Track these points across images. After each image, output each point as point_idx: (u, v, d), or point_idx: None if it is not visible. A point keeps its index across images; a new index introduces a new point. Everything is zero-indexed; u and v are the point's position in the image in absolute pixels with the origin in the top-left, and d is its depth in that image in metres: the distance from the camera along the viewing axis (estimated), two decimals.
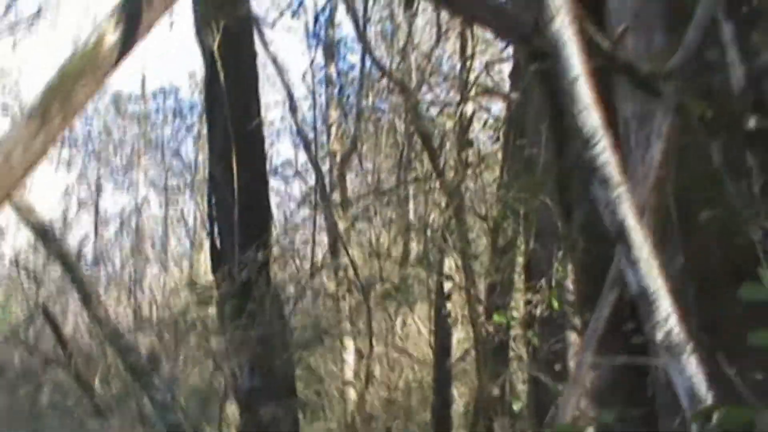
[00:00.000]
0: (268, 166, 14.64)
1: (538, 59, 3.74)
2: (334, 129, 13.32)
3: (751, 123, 2.65)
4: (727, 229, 3.06)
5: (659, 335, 1.51)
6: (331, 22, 13.21)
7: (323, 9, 12.93)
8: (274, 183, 14.03)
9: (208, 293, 10.07)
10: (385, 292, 10.43)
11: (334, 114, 13.09)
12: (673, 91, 2.22)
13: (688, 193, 3.13)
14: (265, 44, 12.99)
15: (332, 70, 13.31)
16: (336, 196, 12.58)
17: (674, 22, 3.00)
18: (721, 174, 3.01)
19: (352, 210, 12.43)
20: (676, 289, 3.17)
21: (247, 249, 9.83)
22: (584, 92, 1.68)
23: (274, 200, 13.95)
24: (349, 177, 13.61)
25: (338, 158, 12.85)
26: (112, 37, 2.70)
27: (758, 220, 2.81)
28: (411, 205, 13.26)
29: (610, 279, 2.37)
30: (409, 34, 12.59)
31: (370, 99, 14.00)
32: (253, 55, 10.58)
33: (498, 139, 9.33)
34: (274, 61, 13.34)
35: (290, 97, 13.23)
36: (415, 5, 6.88)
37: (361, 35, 10.98)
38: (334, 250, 12.03)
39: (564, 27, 1.75)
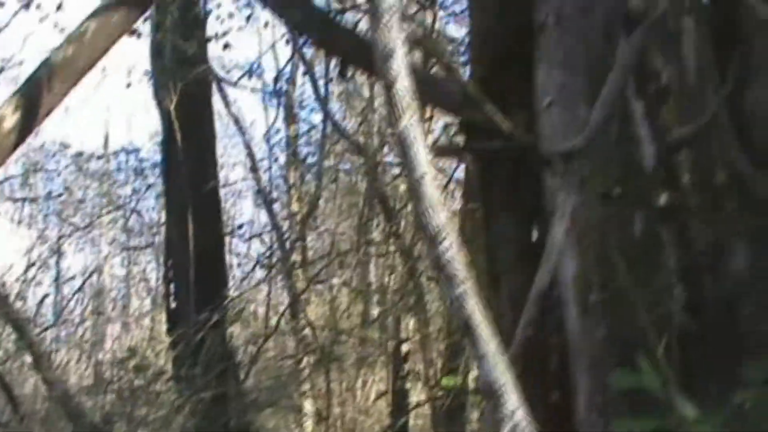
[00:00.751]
0: (231, 225, 14.63)
1: (465, 130, 3.77)
2: (294, 189, 13.33)
3: (663, 199, 2.68)
4: (648, 301, 3.08)
5: (505, 430, 1.51)
6: (292, 81, 13.29)
7: (283, 68, 13.01)
8: (235, 242, 13.97)
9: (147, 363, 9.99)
10: (325, 356, 10.35)
11: (294, 174, 13.11)
12: (576, 169, 2.24)
13: (610, 264, 3.15)
14: (226, 103, 13.06)
15: (293, 129, 13.35)
16: (296, 257, 12.56)
17: (598, 96, 3.03)
18: (642, 246, 3.03)
19: (312, 270, 12.39)
20: (595, 361, 3.19)
21: (202, 310, 9.79)
22: (430, 191, 1.70)
23: (234, 260, 13.92)
24: (310, 237, 13.60)
25: (298, 218, 12.84)
26: (10, 122, 2.71)
27: (671, 295, 2.84)
28: (372, 266, 13.26)
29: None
30: (371, 94, 12.68)
31: (332, 159, 14.06)
32: (211, 116, 10.64)
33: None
34: (236, 120, 13.42)
35: (251, 156, 13.27)
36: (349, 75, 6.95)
37: (320, 97, 11.05)
38: (293, 310, 11.99)
39: (411, 125, 1.76)
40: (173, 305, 10.64)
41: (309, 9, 3.95)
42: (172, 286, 10.72)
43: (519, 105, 3.65)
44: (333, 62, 12.78)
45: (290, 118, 13.32)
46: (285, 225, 13.03)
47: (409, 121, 1.75)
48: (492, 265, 3.77)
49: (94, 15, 3.29)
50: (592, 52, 3.23)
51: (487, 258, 3.80)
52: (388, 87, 1.84)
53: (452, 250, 1.63)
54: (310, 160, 13.72)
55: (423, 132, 1.80)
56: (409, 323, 10.92)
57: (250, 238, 13.47)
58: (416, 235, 9.60)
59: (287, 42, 10.86)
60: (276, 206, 13.49)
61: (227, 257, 12.50)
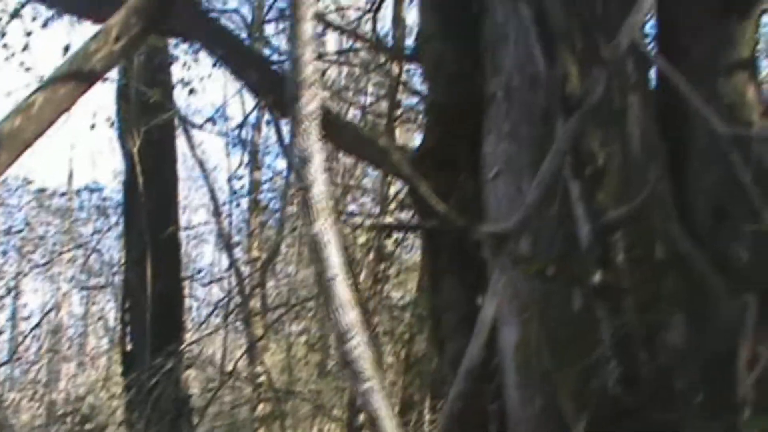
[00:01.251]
0: (191, 269, 14.58)
1: (416, 199, 3.84)
2: (255, 235, 13.34)
3: (597, 277, 2.75)
4: (585, 374, 3.14)
5: None
6: (257, 128, 13.34)
7: (249, 115, 13.05)
8: (195, 286, 13.91)
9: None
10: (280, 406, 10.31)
11: (256, 220, 13.11)
12: (510, 250, 2.31)
13: (553, 336, 3.22)
14: (191, 147, 13.08)
15: (257, 175, 13.38)
16: (255, 303, 12.52)
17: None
18: (580, 320, 3.10)
19: (271, 317, 12.37)
20: (534, 430, 3.25)
21: (158, 354, 9.74)
22: (341, 291, 1.76)
23: (194, 304, 13.86)
24: (270, 283, 13.57)
25: (259, 264, 12.82)
26: None
27: (609, 369, 2.89)
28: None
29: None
30: None
31: (295, 206, 14.08)
32: (174, 160, 10.66)
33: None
34: (200, 164, 13.42)
35: (214, 200, 13.26)
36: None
37: (284, 144, 11.07)
38: (250, 357, 11.93)
39: (325, 229, 1.83)
40: (129, 348, 10.57)
41: (265, 70, 4.02)
42: (128, 328, 10.66)
43: (467, 174, 3.74)
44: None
45: (254, 163, 13.36)
46: (245, 270, 13.00)
47: (323, 225, 1.82)
48: (437, 329, 3.83)
49: (41, 88, 3.35)
50: (539, 126, 3.32)
51: (433, 322, 3.86)
52: (305, 191, 1.91)
53: (360, 348, 1.68)
54: (273, 206, 13.74)
55: (337, 234, 1.87)
56: None
57: (210, 283, 13.42)
58: (372, 288, 9.64)
59: None
60: (237, 251, 13.48)
61: (186, 301, 12.46)
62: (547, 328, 3.22)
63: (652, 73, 3.91)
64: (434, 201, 2.49)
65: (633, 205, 2.71)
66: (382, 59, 9.73)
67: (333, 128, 4.03)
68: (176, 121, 11.20)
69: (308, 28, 1.95)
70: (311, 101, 1.97)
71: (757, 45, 3.89)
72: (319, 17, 5.94)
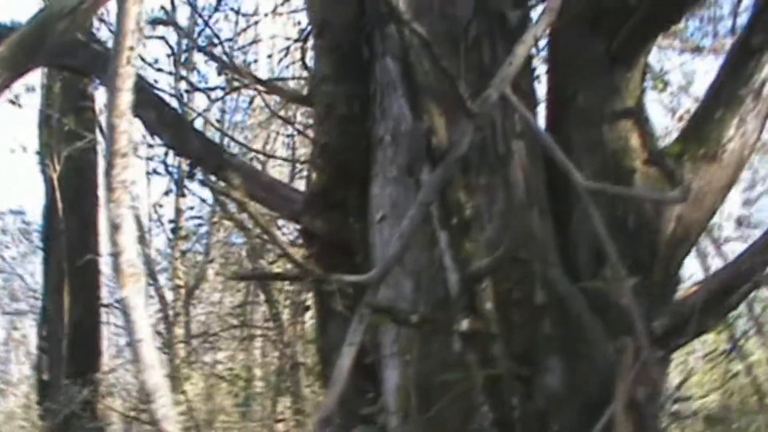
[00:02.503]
0: (114, 296, 14.41)
1: (307, 240, 3.87)
2: (181, 262, 13.23)
3: (464, 325, 2.80)
4: (462, 417, 3.19)
5: None
6: None
7: None
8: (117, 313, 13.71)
9: None
10: None
11: (181, 246, 13.01)
12: (369, 300, 2.35)
13: (431, 380, 3.26)
14: None
15: (182, 202, 13.29)
16: (177, 330, 12.43)
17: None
18: (459, 363, 3.15)
19: (194, 345, 12.28)
20: None
21: (74, 383, 9.64)
22: (148, 354, 1.80)
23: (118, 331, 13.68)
24: (195, 311, 13.48)
25: (183, 291, 12.74)
26: None
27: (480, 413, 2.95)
28: (256, 343, 13.18)
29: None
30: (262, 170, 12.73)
31: (221, 233, 14.03)
32: (95, 187, 10.58)
33: None
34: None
35: (139, 227, 13.17)
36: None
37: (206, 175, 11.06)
38: (171, 385, 11.83)
39: (133, 294, 1.87)
40: (45, 376, 10.44)
41: (161, 110, 4.04)
42: (45, 356, 10.53)
43: (356, 216, 3.79)
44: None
45: (180, 190, 13.28)
46: (169, 297, 12.90)
47: (132, 290, 1.86)
48: (326, 369, 3.86)
49: None
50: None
51: (322, 362, 3.89)
52: (116, 256, 1.95)
53: (166, 407, 1.72)
54: (200, 232, 13.65)
55: (144, 299, 1.91)
56: (286, 404, 10.87)
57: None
58: (293, 318, 9.65)
59: None
60: (162, 278, 13.36)
61: (107, 329, 12.34)
62: (426, 372, 3.27)
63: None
64: (290, 250, 2.50)
65: (497, 256, 2.77)
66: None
67: (226, 168, 4.07)
68: (102, 146, 11.13)
69: (126, 98, 1.98)
70: (124, 170, 2.00)
71: (644, 93, 3.99)
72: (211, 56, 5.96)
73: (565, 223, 3.74)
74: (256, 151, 9.43)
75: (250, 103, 12.18)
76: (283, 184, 4.23)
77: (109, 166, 1.95)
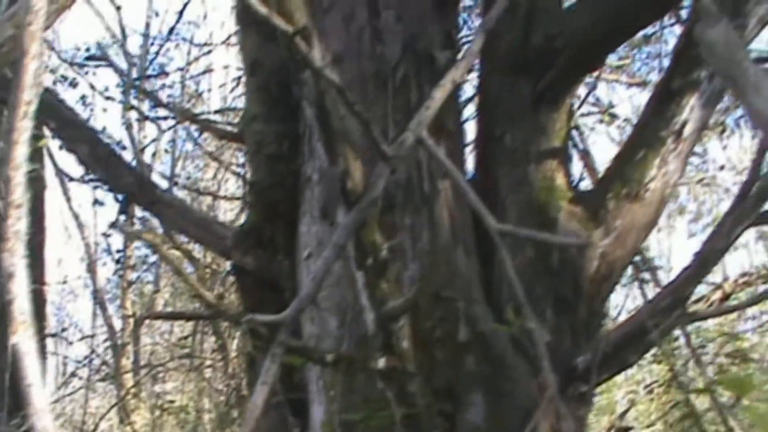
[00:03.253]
0: (66, 323, 14.30)
1: (238, 276, 3.91)
2: (130, 290, 13.18)
3: (381, 363, 2.85)
4: None
5: None
6: None
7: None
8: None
9: None
10: None
11: (131, 275, 12.96)
12: (281, 340, 2.39)
13: (352, 416, 3.30)
14: (67, 200, 12.94)
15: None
16: (126, 360, 12.35)
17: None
18: (380, 400, 3.19)
19: (141, 375, 12.21)
20: None
21: (15, 415, 9.50)
22: (37, 399, 1.86)
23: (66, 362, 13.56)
24: (144, 341, 13.41)
25: (132, 321, 12.67)
26: None
27: None
28: (206, 373, 13.12)
29: None
30: (212, 204, 12.76)
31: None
32: (42, 216, 10.48)
33: None
34: (75, 217, 13.26)
35: (88, 254, 13.09)
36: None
37: None
38: (120, 417, 11.75)
39: (23, 341, 1.91)
40: None
41: (95, 145, 4.07)
42: None
43: (284, 253, 3.84)
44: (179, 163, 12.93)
45: (130, 217, 13.23)
46: (118, 327, 12.82)
47: (22, 336, 1.90)
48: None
49: None
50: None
51: (251, 396, 3.90)
52: (9, 303, 1.99)
53: None
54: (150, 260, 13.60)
55: (36, 348, 1.96)
56: None
57: (81, 339, 13.15)
58: (240, 349, 9.61)
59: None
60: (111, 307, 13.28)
61: (55, 359, 12.24)
62: (349, 408, 3.31)
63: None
64: (203, 289, 2.53)
65: (409, 297, 2.83)
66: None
67: (159, 204, 4.10)
68: (55, 173, 11.11)
69: (22, 150, 2.03)
70: (18, 221, 2.05)
71: (569, 133, 4.08)
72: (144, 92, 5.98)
73: (490, 261, 3.80)
74: (191, 189, 9.45)
75: (201, 132, 12.19)
76: (215, 220, 4.26)
77: (4, 217, 1.99)
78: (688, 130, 3.92)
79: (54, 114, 4.15)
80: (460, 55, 3.75)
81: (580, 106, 10.05)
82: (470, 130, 4.26)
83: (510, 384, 3.52)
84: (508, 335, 3.61)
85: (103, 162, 4.11)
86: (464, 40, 4.73)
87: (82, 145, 4.11)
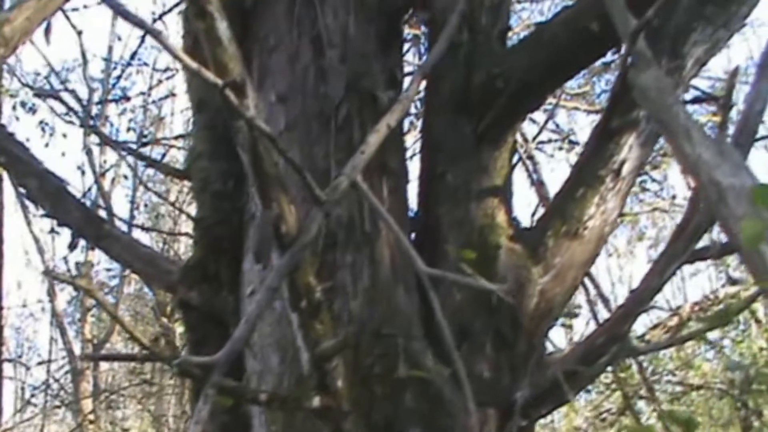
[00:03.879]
0: (26, 347, 14.22)
1: (184, 311, 3.95)
2: (91, 315, 13.15)
3: (316, 402, 2.91)
4: None
5: None
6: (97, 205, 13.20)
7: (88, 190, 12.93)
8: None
9: None
10: None
11: (90, 301, 12.91)
12: (213, 383, 2.44)
13: None
14: (28, 223, 12.90)
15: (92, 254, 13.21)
16: (85, 384, 12.31)
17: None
18: None
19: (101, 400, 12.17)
20: None
21: None
22: None
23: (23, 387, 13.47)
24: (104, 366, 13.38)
25: (91, 346, 12.65)
26: None
27: None
28: (168, 398, 13.10)
29: None
30: (174, 226, 12.77)
31: (132, 286, 13.97)
32: (0, 240, 10.44)
33: None
34: (36, 241, 13.21)
35: (48, 279, 13.04)
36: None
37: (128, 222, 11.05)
38: None
39: None
40: None
41: (43, 179, 4.10)
42: None
43: (229, 290, 3.89)
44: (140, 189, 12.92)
45: (90, 243, 13.20)
46: (78, 351, 12.78)
47: None
48: None
49: None
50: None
51: None
52: None
53: None
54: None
55: None
56: None
57: (39, 364, 13.08)
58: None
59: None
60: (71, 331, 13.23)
61: (14, 384, 12.16)
62: None
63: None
64: (138, 334, 2.58)
65: (341, 339, 2.88)
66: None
67: (106, 239, 4.13)
68: (15, 196, 11.08)
69: None
70: None
71: (512, 171, 4.16)
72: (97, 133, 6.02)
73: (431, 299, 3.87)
74: (134, 225, 9.50)
75: (163, 156, 12.22)
76: (162, 255, 4.30)
77: None
78: (626, 169, 4.01)
79: (3, 149, 4.19)
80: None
81: (538, 134, 10.20)
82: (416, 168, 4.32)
83: (449, 420, 3.57)
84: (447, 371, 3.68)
85: (51, 196, 4.13)
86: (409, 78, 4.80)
87: (30, 179, 4.14)
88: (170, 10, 9.68)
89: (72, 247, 4.06)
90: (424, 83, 4.19)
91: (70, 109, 6.95)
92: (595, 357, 3.82)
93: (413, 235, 4.07)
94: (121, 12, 2.30)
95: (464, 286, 3.82)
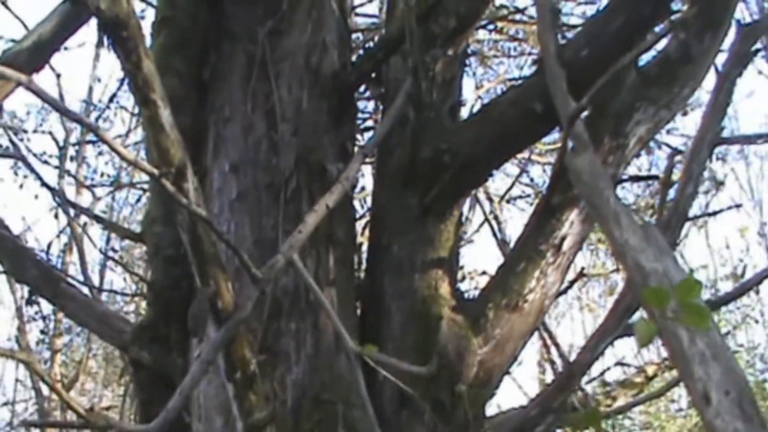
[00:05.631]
0: None
1: (135, 370, 4.06)
2: (61, 353, 13.16)
3: None
4: None
5: None
6: (68, 248, 13.27)
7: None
8: None
9: None
10: None
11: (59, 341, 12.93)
12: None
13: None
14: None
15: None
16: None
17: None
18: None
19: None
20: None
21: None
22: None
23: None
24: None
25: (62, 384, 12.63)
26: None
27: None
28: None
29: None
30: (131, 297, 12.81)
31: None
32: None
33: None
34: (9, 280, 13.26)
35: (20, 317, 13.06)
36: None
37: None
38: None
39: None
40: None
41: (0, 235, 4.22)
42: None
43: (179, 350, 4.01)
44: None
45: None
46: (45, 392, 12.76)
47: None
48: None
49: None
50: None
51: None
52: None
53: None
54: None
55: None
56: None
57: (5, 404, 13.08)
58: None
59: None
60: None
61: None
62: None
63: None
64: (72, 402, 2.71)
65: (271, 410, 3.02)
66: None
67: (61, 297, 4.26)
68: None
69: None
70: None
71: (458, 243, 4.30)
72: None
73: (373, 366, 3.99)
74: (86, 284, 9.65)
75: (138, 200, 12.33)
76: (116, 315, 4.42)
77: None
78: (567, 244, 4.15)
79: None
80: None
81: (510, 188, 10.35)
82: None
83: None
84: None
85: (9, 254, 4.26)
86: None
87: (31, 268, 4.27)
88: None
89: (29, 302, 4.18)
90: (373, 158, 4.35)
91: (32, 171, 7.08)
92: (530, 427, 3.95)
93: (359, 303, 4.20)
94: (55, 106, 2.45)
95: (408, 352, 3.97)
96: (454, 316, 4.10)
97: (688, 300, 1.97)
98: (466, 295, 4.34)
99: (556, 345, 8.41)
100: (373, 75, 4.42)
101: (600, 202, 2.95)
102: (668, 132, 8.50)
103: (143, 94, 2.67)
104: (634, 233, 2.76)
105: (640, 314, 3.87)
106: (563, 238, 4.14)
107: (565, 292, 7.24)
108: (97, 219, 5.68)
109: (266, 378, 3.65)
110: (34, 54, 4.10)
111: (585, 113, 4.15)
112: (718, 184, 9.60)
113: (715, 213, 9.13)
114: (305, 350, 3.78)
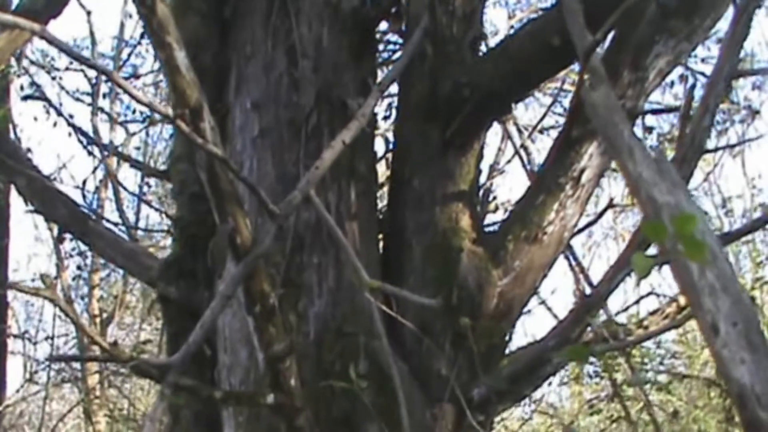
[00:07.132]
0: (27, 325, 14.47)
1: (163, 305, 4.17)
2: (98, 289, 13.37)
3: (270, 399, 3.13)
4: None
5: None
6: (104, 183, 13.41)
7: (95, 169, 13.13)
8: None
9: None
10: None
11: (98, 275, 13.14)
12: (170, 382, 2.66)
13: None
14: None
15: None
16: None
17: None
18: None
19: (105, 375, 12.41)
20: None
21: None
22: None
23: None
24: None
25: (98, 321, 12.88)
26: None
27: None
28: None
29: None
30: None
31: None
32: (6, 216, 10.65)
33: None
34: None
35: (57, 254, 13.26)
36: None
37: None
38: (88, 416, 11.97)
39: None
40: None
41: (31, 177, 4.33)
42: None
43: (206, 284, 4.11)
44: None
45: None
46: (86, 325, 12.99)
47: None
48: None
49: None
50: None
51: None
52: None
53: None
54: None
55: None
56: None
57: (44, 340, 13.28)
58: None
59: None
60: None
61: (21, 359, 12.44)
62: None
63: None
64: (99, 337, 2.80)
65: (288, 343, 3.10)
66: None
67: (90, 235, 4.37)
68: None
69: None
70: None
71: (479, 177, 4.34)
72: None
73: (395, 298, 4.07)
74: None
75: (172, 136, 12.39)
76: (143, 251, 4.53)
77: None
78: (586, 177, 4.18)
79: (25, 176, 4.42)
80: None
81: (543, 118, 10.29)
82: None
83: (408, 414, 3.78)
84: (405, 368, 3.90)
85: (39, 194, 4.36)
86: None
87: (19, 177, 4.36)
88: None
89: (59, 240, 4.29)
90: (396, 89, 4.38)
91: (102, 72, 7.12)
92: (547, 358, 4.02)
93: (381, 237, 4.27)
94: (68, 52, 2.51)
95: (427, 286, 4.04)
96: (475, 249, 4.16)
97: (686, 233, 2.01)
98: (487, 228, 4.39)
99: (585, 274, 8.47)
100: (393, 10, 4.42)
101: (614, 136, 2.96)
102: (703, 61, 8.37)
103: (158, 37, 2.72)
104: (648, 167, 2.77)
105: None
106: (582, 171, 4.17)
107: (595, 221, 7.28)
108: (125, 158, 5.77)
109: (289, 311, 3.76)
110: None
111: (604, 47, 4.17)
112: (754, 113, 9.48)
113: (745, 142, 9.08)
114: (327, 283, 3.87)
